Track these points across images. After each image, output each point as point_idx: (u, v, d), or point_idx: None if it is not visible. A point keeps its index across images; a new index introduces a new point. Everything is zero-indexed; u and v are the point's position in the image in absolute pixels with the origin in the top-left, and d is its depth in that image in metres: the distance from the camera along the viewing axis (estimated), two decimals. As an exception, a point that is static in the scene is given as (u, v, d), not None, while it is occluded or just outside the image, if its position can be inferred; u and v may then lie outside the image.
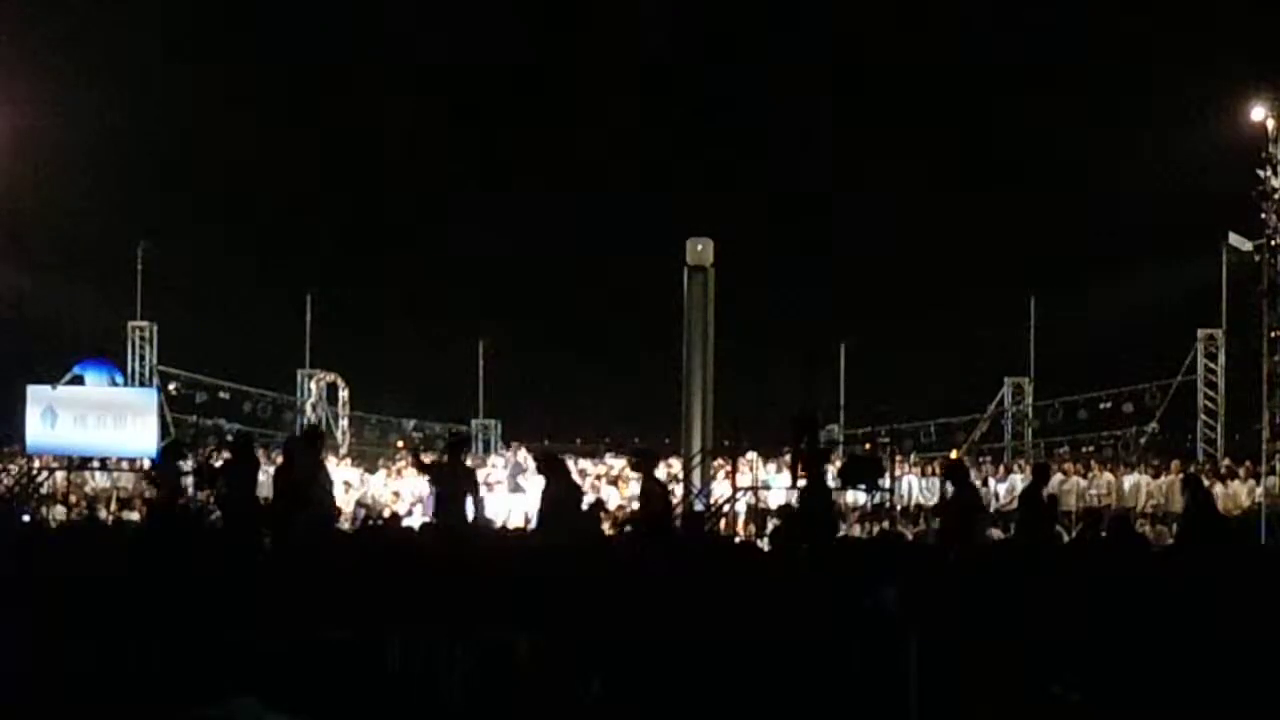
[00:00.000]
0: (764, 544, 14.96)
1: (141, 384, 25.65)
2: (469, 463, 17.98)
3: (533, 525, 17.71)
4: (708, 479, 20.34)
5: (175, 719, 7.03)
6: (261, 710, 5.25)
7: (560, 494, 13.13)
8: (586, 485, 22.71)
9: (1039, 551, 11.01)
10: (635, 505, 19.33)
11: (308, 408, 29.37)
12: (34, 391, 18.25)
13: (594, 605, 8.30)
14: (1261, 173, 23.25)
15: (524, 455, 23.51)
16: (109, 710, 7.68)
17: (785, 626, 8.08)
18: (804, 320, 31.10)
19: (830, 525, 13.67)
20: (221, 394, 27.86)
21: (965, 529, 12.76)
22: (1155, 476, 22.84)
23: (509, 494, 22.34)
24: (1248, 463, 23.16)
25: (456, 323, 32.01)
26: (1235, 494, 22.37)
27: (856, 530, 20.11)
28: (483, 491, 21.95)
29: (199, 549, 9.92)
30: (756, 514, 20.54)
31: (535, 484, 22.56)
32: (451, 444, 13.94)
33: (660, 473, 23.19)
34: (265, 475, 14.87)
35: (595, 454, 25.52)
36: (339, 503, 22.60)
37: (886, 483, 18.22)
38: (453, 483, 13.10)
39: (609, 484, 22.87)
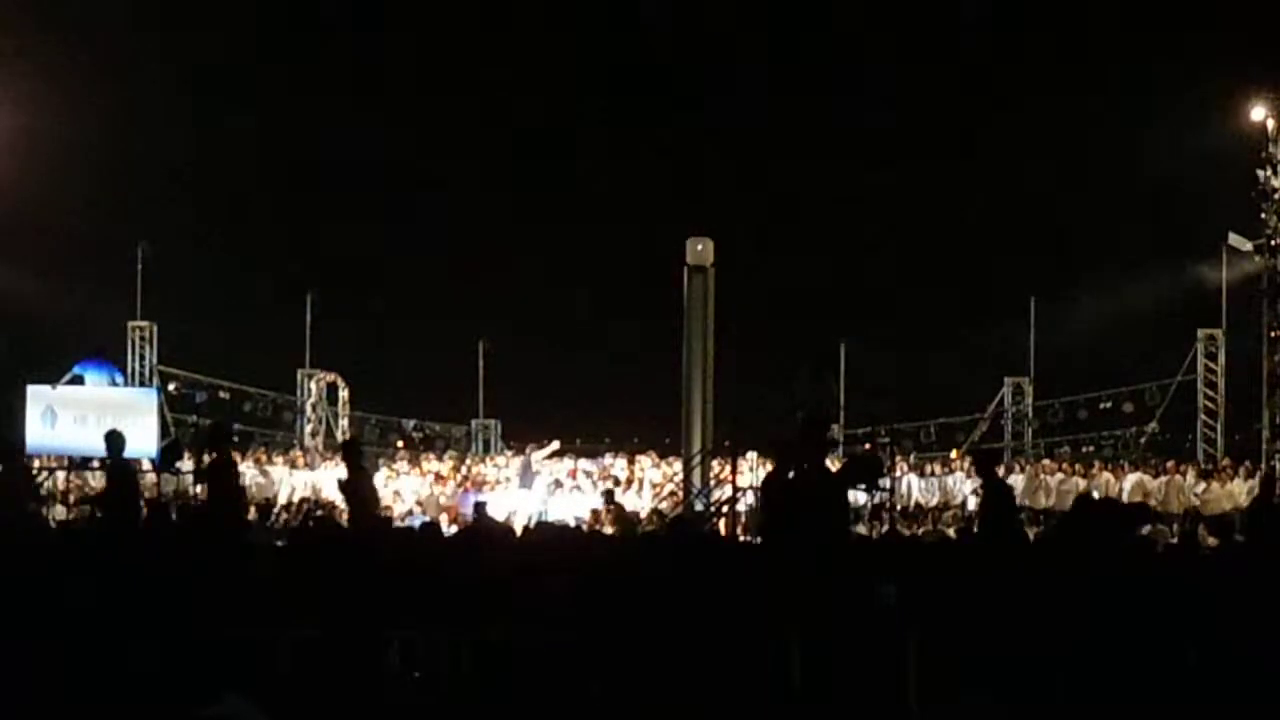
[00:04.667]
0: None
1: (141, 384, 25.64)
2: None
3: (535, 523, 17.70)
4: (708, 479, 20.33)
5: (175, 719, 7.04)
6: (260, 710, 5.25)
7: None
8: (587, 485, 22.72)
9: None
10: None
11: (308, 408, 29.37)
12: (34, 391, 18.24)
13: (595, 605, 8.31)
14: (1261, 173, 23.29)
15: (536, 456, 23.48)
16: (109, 710, 7.68)
17: (785, 626, 8.09)
18: (804, 320, 31.10)
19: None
20: (221, 394, 27.87)
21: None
22: (1155, 476, 22.87)
23: (516, 492, 22.30)
24: (1247, 462, 23.18)
25: (456, 323, 32.00)
26: (1233, 493, 22.40)
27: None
28: (485, 492, 22.09)
29: (199, 548, 9.90)
30: (757, 514, 20.54)
31: (542, 484, 22.61)
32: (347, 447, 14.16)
33: (657, 473, 23.36)
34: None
35: (595, 454, 25.50)
36: (339, 502, 22.73)
37: (886, 483, 18.21)
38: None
39: (614, 484, 22.83)
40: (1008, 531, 10.82)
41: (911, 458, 25.02)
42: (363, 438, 29.97)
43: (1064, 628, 8.14)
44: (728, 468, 19.92)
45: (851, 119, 32.32)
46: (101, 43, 27.50)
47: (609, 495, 19.35)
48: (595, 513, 20.40)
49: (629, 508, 21.01)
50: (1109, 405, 27.15)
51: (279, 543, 12.26)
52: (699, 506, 19.21)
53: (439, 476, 24.07)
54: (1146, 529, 11.90)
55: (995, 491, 11.11)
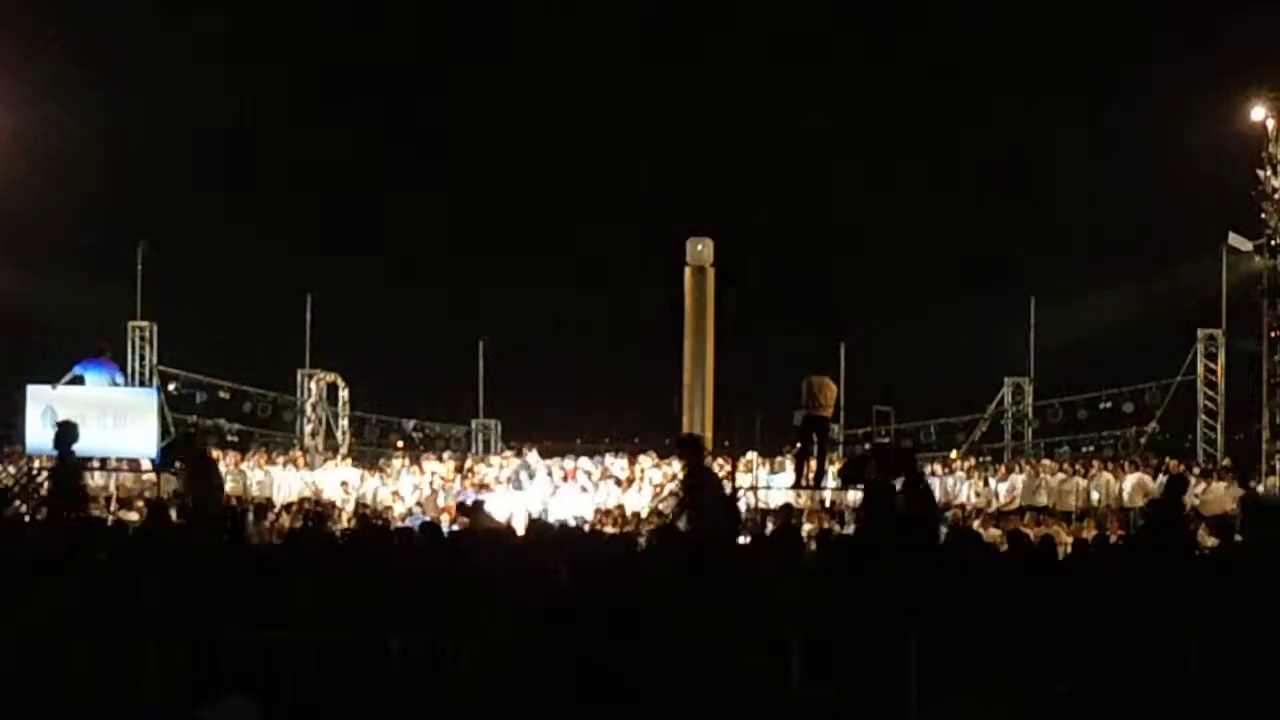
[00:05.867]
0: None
1: (141, 384, 25.61)
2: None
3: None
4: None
5: (175, 719, 7.04)
6: (260, 710, 5.26)
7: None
8: (588, 485, 22.71)
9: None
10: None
11: (308, 408, 29.37)
12: (34, 391, 18.21)
13: (594, 605, 8.30)
14: (1261, 173, 23.28)
15: (533, 456, 23.42)
16: (109, 710, 7.69)
17: (784, 624, 8.09)
18: (804, 320, 31.12)
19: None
20: (221, 394, 27.88)
21: None
22: (1155, 476, 22.82)
23: (511, 493, 22.28)
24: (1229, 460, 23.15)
25: (456, 323, 32.03)
26: (1235, 494, 22.34)
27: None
28: (485, 492, 22.10)
29: (199, 548, 9.91)
30: (756, 514, 20.53)
31: (539, 484, 22.61)
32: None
33: (657, 473, 23.34)
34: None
35: (595, 454, 25.50)
36: (339, 502, 22.77)
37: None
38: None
39: (614, 484, 22.82)
40: (925, 532, 10.82)
41: (911, 458, 24.96)
42: (363, 437, 30.03)
43: (1065, 627, 8.15)
44: (728, 468, 19.92)
45: (852, 119, 32.37)
46: (102, 43, 27.52)
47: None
48: (597, 512, 20.41)
49: (629, 508, 21.02)
50: (1109, 405, 27.14)
51: (278, 542, 12.28)
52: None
53: (438, 477, 24.06)
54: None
55: (915, 489, 11.17)
